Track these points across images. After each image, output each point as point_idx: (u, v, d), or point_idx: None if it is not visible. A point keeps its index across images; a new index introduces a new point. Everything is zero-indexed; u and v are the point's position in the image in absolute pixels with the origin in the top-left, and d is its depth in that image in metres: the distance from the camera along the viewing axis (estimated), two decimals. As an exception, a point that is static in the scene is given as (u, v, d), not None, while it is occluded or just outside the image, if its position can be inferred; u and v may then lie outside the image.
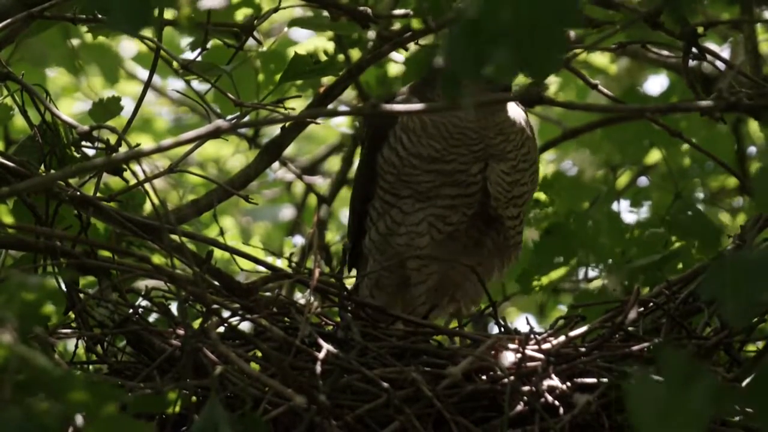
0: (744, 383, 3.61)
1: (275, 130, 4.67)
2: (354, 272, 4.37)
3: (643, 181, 6.40)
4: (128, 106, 4.32)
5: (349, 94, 6.07)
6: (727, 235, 4.87)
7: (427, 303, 4.22)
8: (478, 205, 4.13)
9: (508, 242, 4.19)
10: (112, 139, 4.02)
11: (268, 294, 4.06)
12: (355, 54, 5.49)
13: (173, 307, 3.89)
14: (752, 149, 6.36)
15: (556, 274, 5.19)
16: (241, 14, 4.85)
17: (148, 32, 4.30)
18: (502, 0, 2.80)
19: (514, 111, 4.17)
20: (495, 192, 4.12)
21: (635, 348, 3.79)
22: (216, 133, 3.19)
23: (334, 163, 7.12)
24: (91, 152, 4.10)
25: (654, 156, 6.00)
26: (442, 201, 4.12)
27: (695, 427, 2.77)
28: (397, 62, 5.81)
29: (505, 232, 4.18)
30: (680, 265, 4.94)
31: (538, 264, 5.15)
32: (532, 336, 3.81)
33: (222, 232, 4.20)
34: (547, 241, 5.15)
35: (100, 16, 4.15)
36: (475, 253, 4.20)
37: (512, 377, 3.67)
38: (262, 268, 4.16)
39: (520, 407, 3.65)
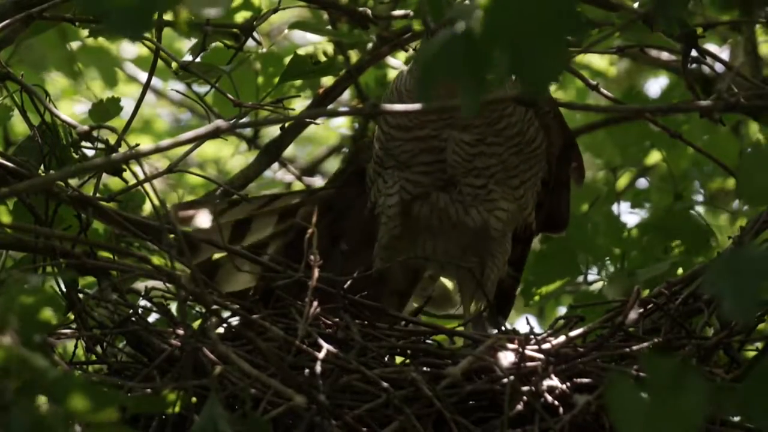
0: (743, 384, 3.60)
1: (275, 131, 4.67)
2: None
3: (642, 182, 6.40)
4: (128, 107, 4.32)
5: (349, 94, 6.07)
6: (727, 236, 4.87)
7: (385, 261, 4.24)
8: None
9: (465, 206, 4.20)
10: (112, 139, 4.02)
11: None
12: (355, 55, 5.49)
13: (173, 307, 3.89)
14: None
15: (557, 283, 5.18)
16: (241, 17, 4.85)
17: (147, 34, 4.30)
18: (503, 6, 2.79)
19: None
20: (450, 159, 4.15)
21: (635, 348, 3.79)
22: (215, 134, 3.18)
23: (333, 165, 7.12)
24: (90, 153, 4.10)
25: (654, 157, 6.00)
26: (418, 168, 4.16)
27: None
28: (395, 68, 5.81)
29: (463, 195, 4.19)
30: (680, 270, 4.93)
31: (541, 273, 5.14)
32: (531, 336, 3.82)
33: (222, 230, 4.18)
34: (547, 250, 5.14)
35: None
36: (457, 241, 4.22)
37: (512, 377, 3.67)
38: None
39: (519, 407, 3.65)
